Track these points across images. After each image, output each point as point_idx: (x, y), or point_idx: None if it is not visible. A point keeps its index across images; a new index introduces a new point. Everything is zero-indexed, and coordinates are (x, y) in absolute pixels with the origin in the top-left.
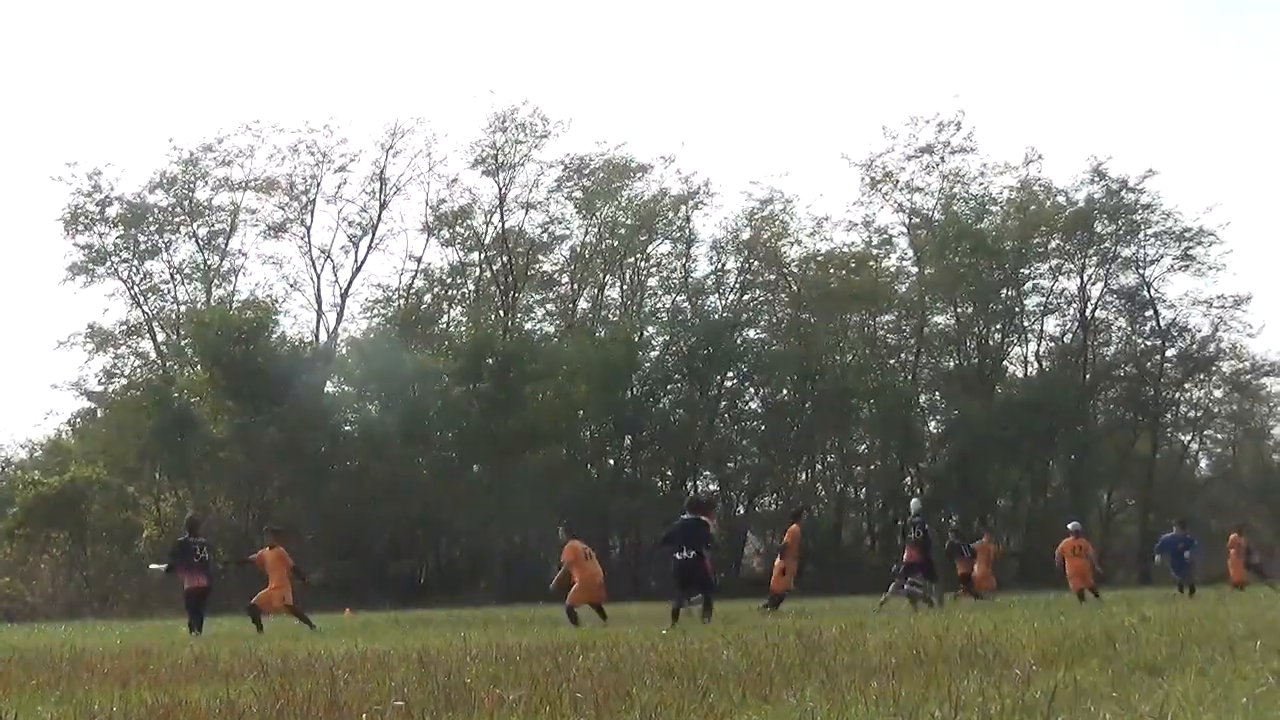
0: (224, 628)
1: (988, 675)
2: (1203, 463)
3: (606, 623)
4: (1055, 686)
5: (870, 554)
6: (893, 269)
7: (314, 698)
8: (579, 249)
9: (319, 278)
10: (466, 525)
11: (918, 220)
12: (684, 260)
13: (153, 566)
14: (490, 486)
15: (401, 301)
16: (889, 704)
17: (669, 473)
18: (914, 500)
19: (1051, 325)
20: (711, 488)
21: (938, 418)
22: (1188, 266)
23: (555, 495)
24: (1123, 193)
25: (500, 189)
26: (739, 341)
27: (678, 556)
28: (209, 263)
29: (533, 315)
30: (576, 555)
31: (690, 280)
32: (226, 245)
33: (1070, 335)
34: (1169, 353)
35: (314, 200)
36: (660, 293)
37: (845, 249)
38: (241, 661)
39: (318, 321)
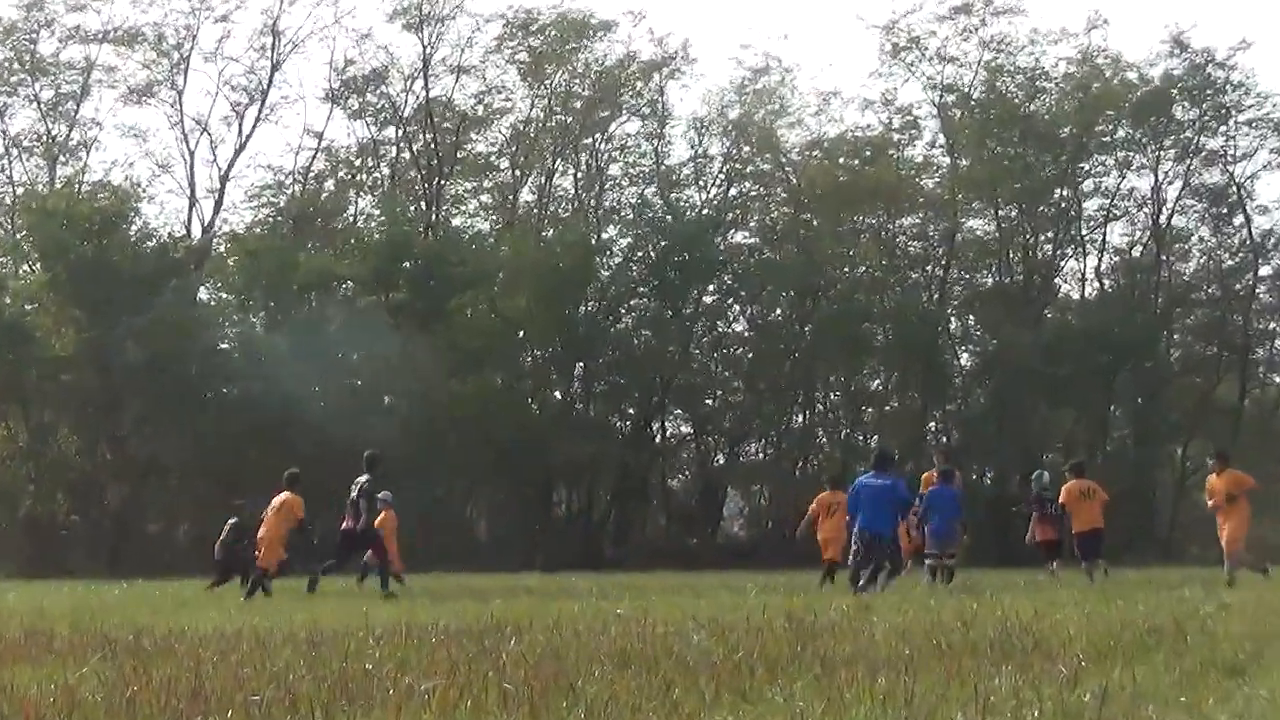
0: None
1: (1024, 672)
2: None
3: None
4: (1107, 687)
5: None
6: (918, 159)
7: (173, 685)
8: (522, 126)
9: (192, 156)
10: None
11: (951, 99)
12: (655, 143)
13: None
14: (405, 423)
15: (297, 188)
16: (898, 704)
17: (630, 410)
18: (1043, 472)
19: (1117, 235)
20: (683, 429)
21: (971, 348)
22: None
23: (487, 436)
24: (1208, 69)
25: (424, 48)
26: (722, 247)
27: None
28: (53, 134)
29: (463, 208)
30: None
31: (663, 169)
32: (77, 112)
33: (1140, 248)
34: (1262, 272)
35: (188, 58)
36: (624, 183)
37: (858, 133)
38: (83, 638)
39: (190, 212)
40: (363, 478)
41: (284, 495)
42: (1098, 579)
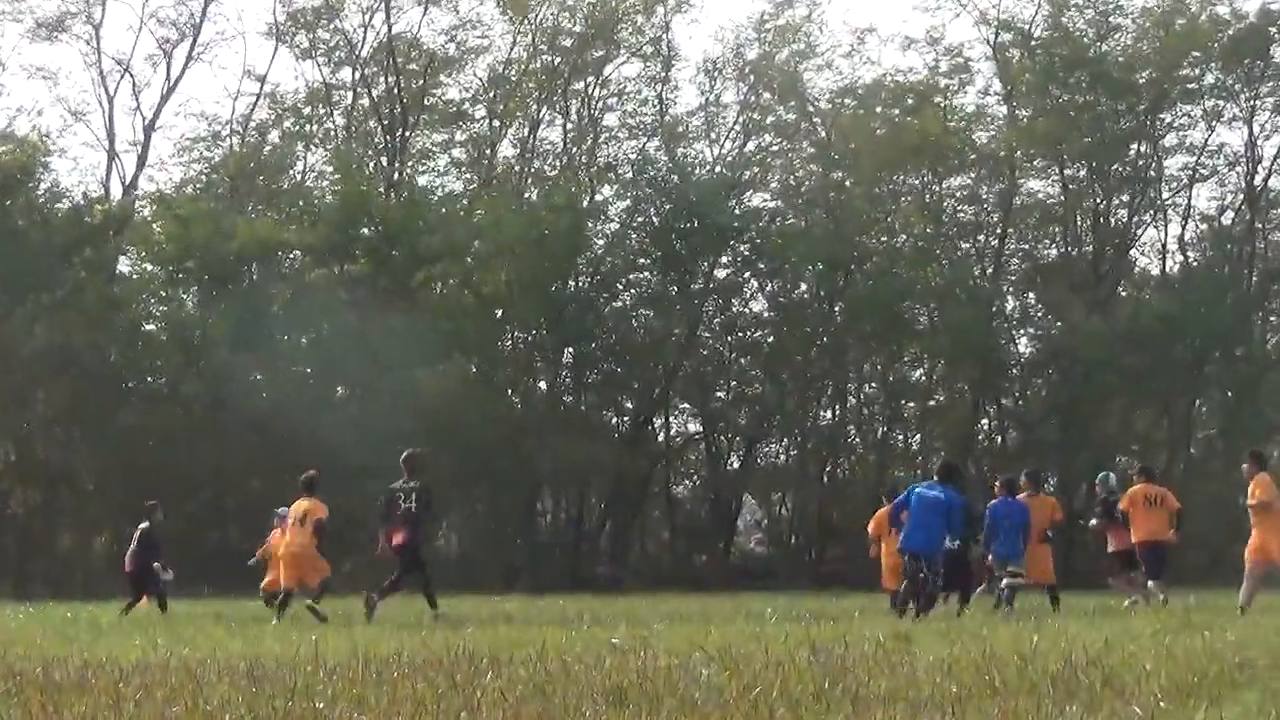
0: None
1: (1092, 713)
2: None
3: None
4: None
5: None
6: (969, 109)
7: None
8: (502, 68)
9: (112, 103)
10: (326, 477)
11: (1008, 38)
12: (659, 89)
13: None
14: (361, 419)
15: (235, 141)
16: None
17: (629, 404)
18: (1109, 474)
19: (1204, 199)
20: (690, 427)
21: (1031, 332)
22: None
23: (460, 434)
24: None
25: None
26: (738, 211)
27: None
28: None
29: (431, 165)
30: None
31: (668, 119)
32: None
33: (1231, 214)
34: None
35: None
36: (622, 136)
37: (899, 78)
38: None
39: (109, 168)
40: (410, 483)
41: (305, 503)
42: (1154, 603)
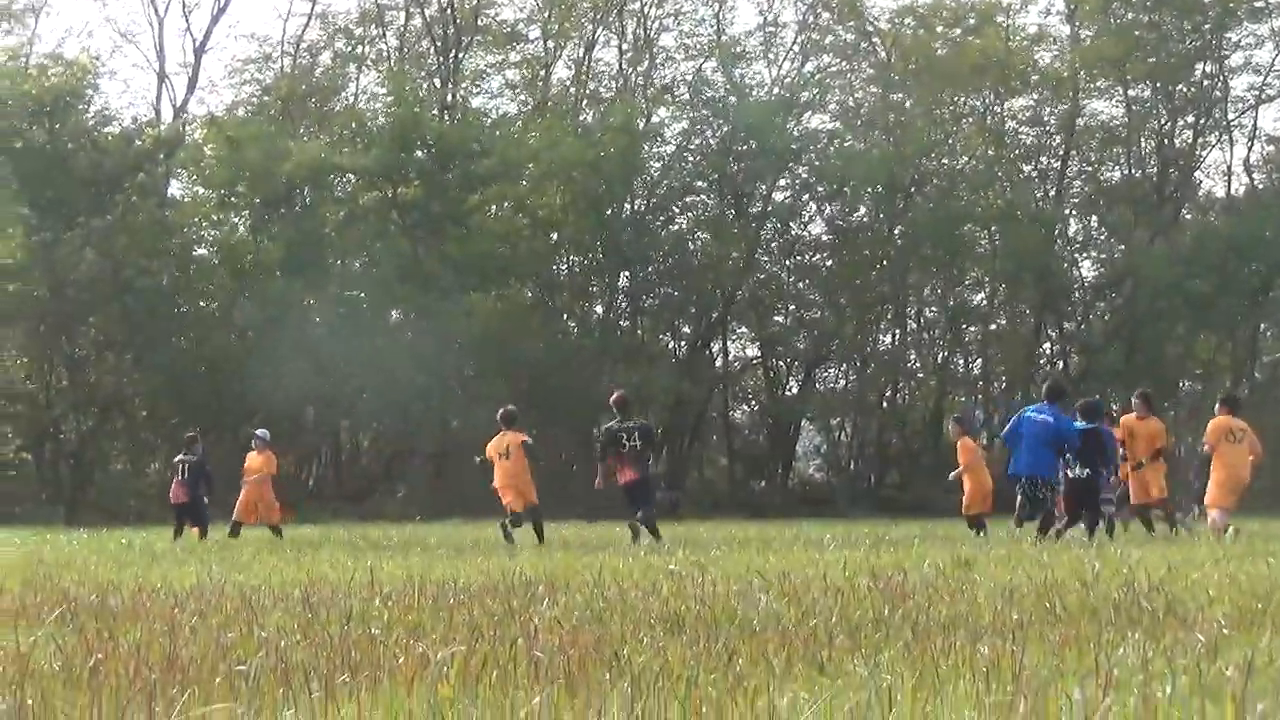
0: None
1: (1154, 641)
2: None
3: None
4: (1253, 659)
5: (988, 455)
6: (1031, 29)
7: (143, 652)
8: None
9: (162, 24)
10: (379, 403)
11: None
12: (716, 9)
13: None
14: (415, 344)
15: (286, 62)
16: (1004, 678)
17: (685, 328)
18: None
19: (1270, 120)
20: (748, 352)
21: (1093, 255)
22: None
23: (514, 360)
24: None
25: None
26: (796, 133)
27: (1069, 473)
28: None
29: (484, 87)
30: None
31: (725, 39)
32: None
33: None
34: None
35: None
36: (679, 57)
37: None
38: (38, 596)
39: (159, 91)
40: (628, 423)
41: (506, 436)
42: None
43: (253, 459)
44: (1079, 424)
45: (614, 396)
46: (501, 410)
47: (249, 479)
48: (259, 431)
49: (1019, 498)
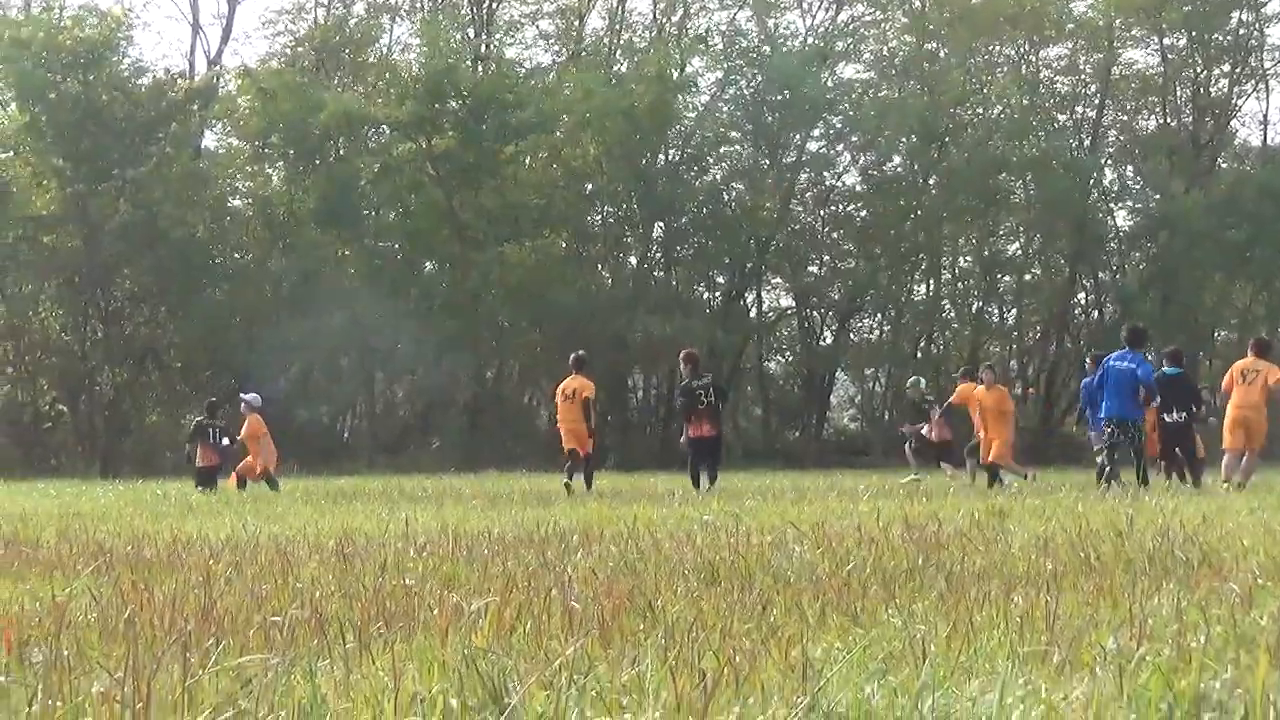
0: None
1: (1189, 591)
2: None
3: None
4: None
5: (1022, 404)
6: None
7: (179, 603)
8: None
9: None
10: (414, 355)
11: None
12: None
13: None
14: (449, 294)
15: (320, 13)
16: (1038, 628)
17: (720, 279)
18: (920, 379)
19: None
20: (783, 302)
21: (1129, 205)
22: None
23: (549, 310)
24: None
25: None
26: (830, 83)
27: (1166, 418)
28: None
29: (519, 38)
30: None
31: None
32: None
33: None
34: None
35: None
36: (713, 7)
37: None
38: (73, 547)
39: (193, 42)
40: (702, 380)
41: (574, 380)
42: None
43: (253, 423)
44: (1167, 369)
45: (683, 354)
46: (574, 354)
47: (252, 443)
48: (245, 397)
49: (1104, 442)
